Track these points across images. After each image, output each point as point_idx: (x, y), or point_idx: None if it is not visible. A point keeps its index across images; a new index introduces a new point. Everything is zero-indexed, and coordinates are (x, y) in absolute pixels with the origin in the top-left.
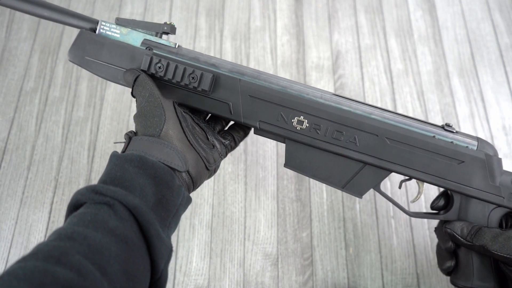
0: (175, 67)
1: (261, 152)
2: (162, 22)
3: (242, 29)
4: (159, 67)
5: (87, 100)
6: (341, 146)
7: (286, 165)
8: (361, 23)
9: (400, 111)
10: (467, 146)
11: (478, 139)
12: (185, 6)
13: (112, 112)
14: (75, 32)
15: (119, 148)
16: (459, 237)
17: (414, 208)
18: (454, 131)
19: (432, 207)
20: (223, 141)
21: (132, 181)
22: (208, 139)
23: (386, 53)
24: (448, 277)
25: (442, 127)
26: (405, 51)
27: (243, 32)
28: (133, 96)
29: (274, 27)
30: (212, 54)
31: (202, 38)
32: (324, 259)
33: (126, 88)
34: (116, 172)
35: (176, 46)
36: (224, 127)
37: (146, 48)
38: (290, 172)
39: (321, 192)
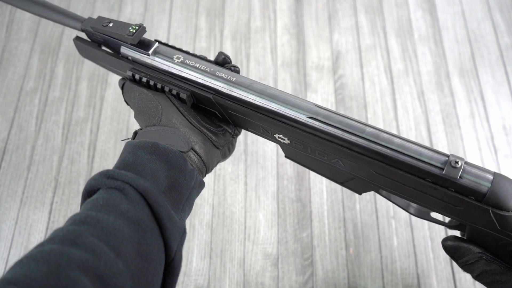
0: (154, 85)
1: (261, 152)
2: (131, 26)
3: (242, 29)
4: (143, 83)
5: (87, 100)
6: (327, 163)
7: (286, 156)
8: (361, 23)
9: (400, 111)
10: (471, 198)
11: (493, 180)
12: (185, 6)
13: (112, 112)
14: (75, 32)
15: None
16: (453, 259)
17: None
18: (458, 176)
19: None
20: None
21: (144, 166)
22: (215, 122)
23: (386, 53)
24: (448, 278)
25: (443, 167)
26: (405, 51)
27: (243, 32)
28: (127, 103)
29: (274, 27)
30: (212, 54)
31: (202, 38)
32: (324, 259)
33: None
34: (129, 159)
35: (150, 54)
36: None
37: (127, 58)
38: (290, 172)
39: (321, 192)
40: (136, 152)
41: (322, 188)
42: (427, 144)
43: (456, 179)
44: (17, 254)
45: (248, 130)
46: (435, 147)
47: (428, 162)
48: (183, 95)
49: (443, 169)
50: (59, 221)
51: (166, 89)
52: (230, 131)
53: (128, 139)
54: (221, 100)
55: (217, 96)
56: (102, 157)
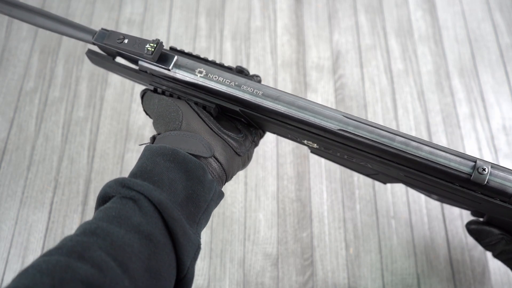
0: (177, 97)
1: (261, 152)
2: (149, 41)
3: (242, 29)
4: (166, 95)
5: (87, 100)
6: (356, 163)
7: (312, 152)
8: (361, 23)
9: (400, 111)
10: (496, 199)
11: None
12: (185, 6)
13: (112, 112)
14: None
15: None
16: (476, 240)
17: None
18: (484, 181)
19: None
20: (251, 128)
21: (162, 175)
22: (236, 128)
23: (386, 53)
24: (448, 278)
25: (470, 174)
26: (406, 51)
27: (243, 32)
28: (146, 113)
29: (274, 27)
30: (212, 54)
31: (202, 38)
32: (324, 259)
33: (126, 88)
34: (147, 166)
35: (171, 69)
36: None
37: (145, 72)
38: (290, 172)
39: (321, 192)
40: (154, 159)
41: (322, 188)
42: None
43: (483, 184)
44: (16, 254)
45: (277, 134)
46: None
47: (457, 169)
48: (209, 108)
49: (470, 175)
50: (59, 221)
51: (191, 103)
52: (250, 138)
53: (146, 143)
54: (248, 113)
55: (245, 109)
56: (102, 157)
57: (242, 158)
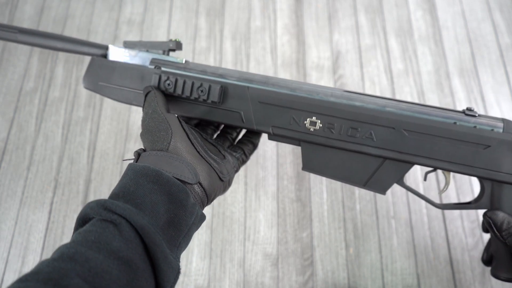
0: (183, 82)
1: (261, 152)
2: (168, 40)
3: (242, 29)
4: (168, 84)
5: (87, 100)
6: (358, 143)
7: (304, 168)
8: (361, 23)
9: None
10: (492, 129)
11: (503, 120)
12: (185, 6)
13: (112, 112)
14: (75, 31)
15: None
16: (495, 229)
17: (443, 200)
18: (476, 114)
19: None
20: (234, 154)
21: (145, 197)
22: (220, 152)
23: (386, 53)
24: (448, 278)
25: (463, 112)
26: (406, 51)
27: (243, 32)
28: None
29: (274, 27)
30: (212, 54)
31: (202, 38)
32: (324, 259)
33: None
34: (130, 187)
35: (184, 62)
36: (233, 143)
37: (154, 67)
38: (290, 172)
39: (321, 192)
40: (138, 180)
41: (322, 188)
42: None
43: (477, 116)
44: (16, 254)
45: (272, 130)
46: None
47: (450, 109)
48: (215, 87)
49: (463, 112)
50: (59, 221)
51: (197, 84)
52: (232, 163)
53: (130, 159)
54: (256, 90)
55: (253, 86)
56: (102, 157)
57: (224, 183)
